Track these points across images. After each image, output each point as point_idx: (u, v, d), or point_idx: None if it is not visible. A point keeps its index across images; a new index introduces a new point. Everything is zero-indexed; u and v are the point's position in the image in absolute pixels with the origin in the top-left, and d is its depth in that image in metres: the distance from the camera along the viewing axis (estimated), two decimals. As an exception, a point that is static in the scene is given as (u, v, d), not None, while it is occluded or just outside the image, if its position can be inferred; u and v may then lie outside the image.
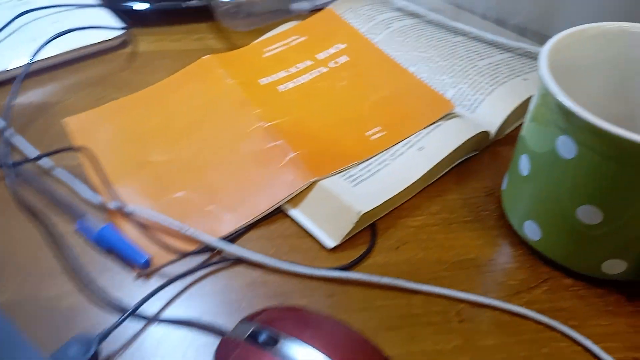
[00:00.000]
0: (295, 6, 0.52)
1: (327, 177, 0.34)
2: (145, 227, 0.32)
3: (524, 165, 0.30)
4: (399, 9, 0.49)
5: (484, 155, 0.39)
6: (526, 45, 0.44)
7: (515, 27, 0.48)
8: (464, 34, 0.47)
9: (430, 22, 0.48)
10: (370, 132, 0.37)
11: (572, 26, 0.47)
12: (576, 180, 0.27)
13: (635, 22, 0.41)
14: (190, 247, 0.31)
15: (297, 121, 0.38)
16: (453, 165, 0.37)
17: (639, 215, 0.26)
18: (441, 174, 0.37)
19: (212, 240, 0.31)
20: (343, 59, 0.43)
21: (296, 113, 0.39)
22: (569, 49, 0.31)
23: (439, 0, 0.51)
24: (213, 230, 0.32)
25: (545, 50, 0.29)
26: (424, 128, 0.37)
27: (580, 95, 0.34)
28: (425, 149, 0.36)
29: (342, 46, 0.44)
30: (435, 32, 0.47)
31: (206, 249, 0.31)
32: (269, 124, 0.37)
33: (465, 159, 0.38)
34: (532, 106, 0.30)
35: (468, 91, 0.41)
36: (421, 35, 0.46)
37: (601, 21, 0.43)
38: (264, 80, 0.42)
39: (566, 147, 0.27)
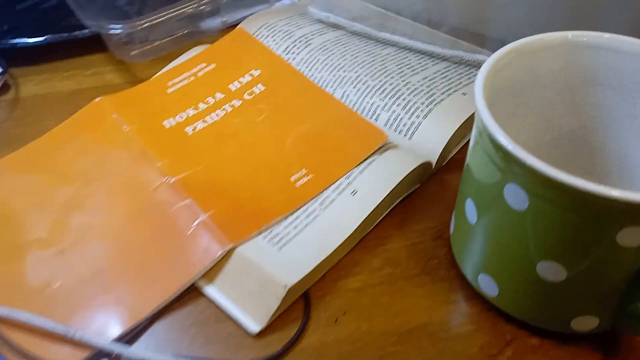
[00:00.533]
0: (205, 25, 0.46)
1: (247, 242, 0.29)
2: (17, 333, 0.26)
3: (470, 211, 0.26)
4: (319, 21, 0.44)
5: (429, 186, 0.34)
6: (462, 53, 0.40)
7: (451, 29, 0.43)
8: (394, 44, 0.42)
9: (355, 34, 0.43)
10: (295, 177, 0.32)
11: (509, 25, 0.43)
12: (532, 235, 0.23)
13: (574, 16, 0.38)
14: (79, 355, 0.26)
15: (208, 171, 0.32)
16: (394, 204, 0.33)
17: (608, 269, 0.22)
18: (381, 218, 0.32)
19: (107, 343, 0.25)
20: (259, 88, 0.38)
21: (208, 161, 0.33)
22: (509, 67, 0.27)
23: (365, 6, 0.46)
24: (108, 328, 0.26)
25: (481, 76, 0.25)
26: (356, 166, 0.32)
27: (529, 115, 0.30)
28: (359, 192, 0.31)
29: (257, 72, 0.39)
30: (361, 46, 0.42)
31: (100, 354, 0.26)
32: (175, 178, 0.32)
33: (408, 194, 0.34)
34: (472, 140, 0.25)
35: (402, 114, 0.36)
36: (346, 51, 0.41)
37: (538, 18, 0.40)
38: (168, 122, 0.36)
39: (516, 196, 0.23)
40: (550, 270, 0.23)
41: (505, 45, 0.27)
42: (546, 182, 0.21)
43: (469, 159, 0.26)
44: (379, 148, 0.33)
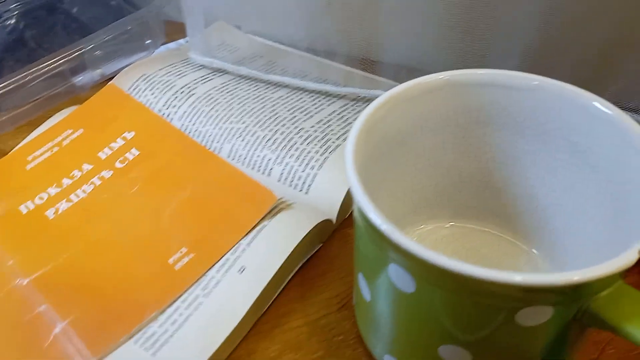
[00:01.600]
0: (79, 81, 0.42)
1: (115, 350, 0.25)
2: None
3: (363, 287, 0.23)
4: (202, 67, 0.41)
5: (332, 245, 0.31)
6: (357, 90, 0.37)
7: (346, 58, 0.41)
8: (285, 85, 0.39)
9: (244, 77, 0.40)
10: (174, 258, 0.28)
11: (404, 51, 0.41)
12: (425, 318, 0.20)
13: (467, 42, 0.36)
14: None
15: (70, 265, 0.28)
16: (293, 273, 0.30)
17: (513, 350, 0.20)
18: (278, 293, 0.29)
19: None
20: (133, 153, 0.34)
21: (71, 250, 0.29)
22: (388, 118, 0.24)
23: (252, 41, 0.43)
24: None
25: (352, 137, 0.22)
26: (244, 236, 0.29)
27: (420, 163, 0.27)
28: (248, 269, 0.28)
29: (131, 135, 0.35)
30: (250, 91, 0.39)
31: None
32: (27, 279, 0.27)
33: (310, 257, 0.30)
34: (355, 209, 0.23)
35: (296, 166, 0.33)
36: (233, 99, 0.38)
37: (432, 43, 0.38)
38: (25, 207, 0.31)
39: (401, 278, 0.20)
40: (454, 355, 0.20)
41: (398, 77, 0.24)
42: (429, 268, 0.18)
43: (354, 225, 0.23)
44: (270, 211, 0.30)
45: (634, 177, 0.21)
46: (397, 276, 0.20)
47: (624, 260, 0.17)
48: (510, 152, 0.27)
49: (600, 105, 0.22)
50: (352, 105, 0.37)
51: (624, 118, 0.22)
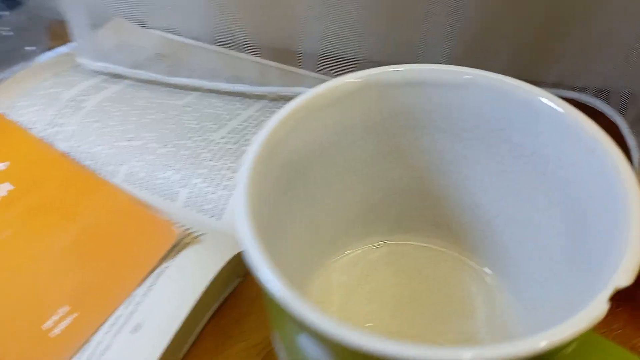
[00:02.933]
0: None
1: None
2: None
3: (279, 347, 0.19)
4: (96, 74, 0.35)
5: (252, 280, 0.27)
6: (276, 89, 0.33)
7: (262, 50, 0.36)
8: (193, 88, 0.34)
9: (143, 83, 0.35)
10: (51, 321, 0.23)
11: (325, 39, 0.36)
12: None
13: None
14: None
15: None
16: (205, 321, 0.25)
17: None
18: (187, 347, 0.24)
19: None
20: (6, 188, 0.28)
21: None
22: (296, 132, 0.20)
23: (156, 37, 0.38)
24: None
25: (248, 163, 0.17)
26: (139, 285, 0.24)
27: (345, 178, 0.23)
28: (145, 326, 0.23)
29: (4, 166, 0.29)
30: (150, 99, 0.34)
31: None
32: None
33: (227, 297, 0.26)
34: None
35: (205, 188, 0.28)
36: (130, 111, 0.32)
37: (355, 30, 0.33)
38: None
39: (311, 349, 0.15)
40: None
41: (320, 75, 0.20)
42: (344, 348, 0.14)
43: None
44: (172, 249, 0.25)
45: (588, 184, 0.18)
46: (308, 346, 0.16)
47: (592, 316, 0.13)
48: (447, 158, 0.23)
49: (547, 100, 0.19)
50: (271, 107, 0.33)
51: (574, 115, 0.18)
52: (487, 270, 0.24)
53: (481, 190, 0.23)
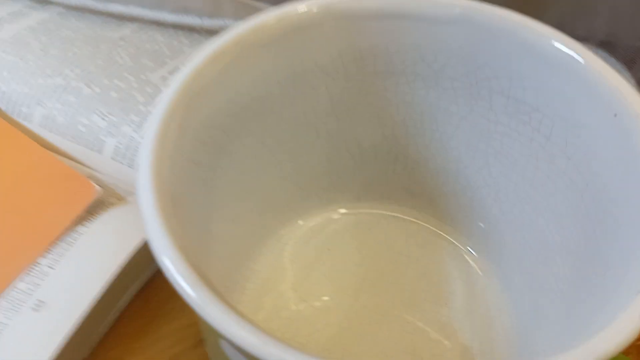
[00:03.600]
0: None
1: None
2: None
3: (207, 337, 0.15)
4: (13, -4, 0.30)
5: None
6: (228, 22, 0.28)
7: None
8: (132, 19, 0.29)
9: (73, 10, 0.29)
10: None
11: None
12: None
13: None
14: None
15: None
16: (128, 298, 0.21)
17: None
18: (106, 328, 0.20)
19: None
20: None
21: None
22: (230, 77, 0.15)
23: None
24: None
25: (155, 124, 0.13)
26: (44, 255, 0.20)
27: (292, 138, 0.19)
28: (50, 304, 0.19)
29: None
30: (80, 30, 0.28)
31: None
32: None
33: (155, 272, 0.22)
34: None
35: (137, 138, 0.24)
36: (53, 43, 0.27)
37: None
38: None
39: (234, 355, 0.12)
40: None
41: None
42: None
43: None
44: (89, 211, 0.21)
45: (608, 160, 0.14)
46: (231, 353, 0.12)
47: (626, 332, 0.10)
48: (428, 112, 0.19)
49: (560, 44, 0.15)
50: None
51: (597, 67, 0.14)
52: (470, 249, 0.20)
53: (467, 154, 0.19)
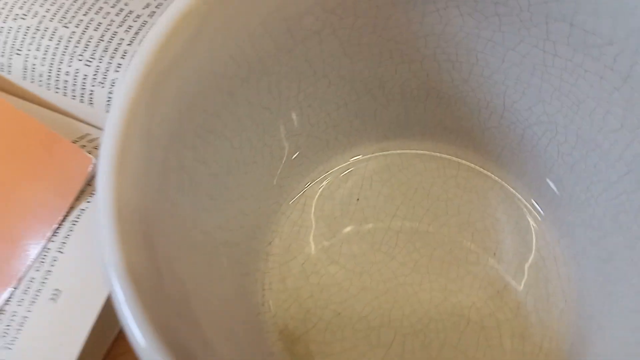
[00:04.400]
0: None
1: None
2: None
3: None
4: None
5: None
6: None
7: None
8: None
9: None
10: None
11: None
12: None
13: None
14: None
15: None
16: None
17: None
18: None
19: None
20: None
21: None
22: (213, 36, 0.12)
23: None
24: None
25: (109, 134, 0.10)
26: (51, 238, 0.18)
27: (318, 84, 0.16)
28: (66, 293, 0.18)
29: None
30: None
31: None
32: None
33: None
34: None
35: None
36: (16, -29, 0.24)
37: None
38: None
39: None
40: None
41: None
42: None
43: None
44: (88, 183, 0.19)
45: None
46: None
47: None
48: (463, 44, 0.15)
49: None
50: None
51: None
52: (520, 194, 0.18)
53: (515, 90, 0.15)
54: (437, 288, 0.18)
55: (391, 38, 0.15)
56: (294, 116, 0.16)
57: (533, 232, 0.17)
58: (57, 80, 0.22)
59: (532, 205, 0.17)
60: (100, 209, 0.10)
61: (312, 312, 0.17)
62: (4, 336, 0.18)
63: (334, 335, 0.17)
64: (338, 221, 0.19)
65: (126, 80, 0.11)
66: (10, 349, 0.18)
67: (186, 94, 0.12)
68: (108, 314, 0.18)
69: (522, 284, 0.17)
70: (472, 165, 0.19)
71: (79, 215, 0.19)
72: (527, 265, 0.17)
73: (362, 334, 0.17)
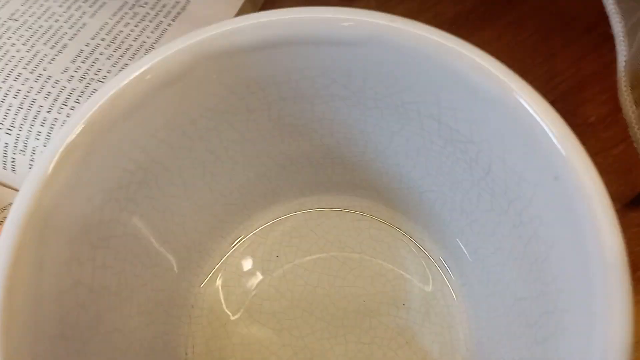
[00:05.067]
0: None
1: None
2: None
3: None
4: None
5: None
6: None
7: None
8: (19, -14, 0.25)
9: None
10: None
11: None
12: None
13: None
14: None
15: None
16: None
17: None
18: None
19: None
20: None
21: None
22: (102, 155, 0.13)
23: None
24: None
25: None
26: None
27: (221, 166, 0.17)
28: None
29: None
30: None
31: None
32: None
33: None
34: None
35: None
36: None
37: None
38: None
39: None
40: None
41: None
42: None
43: None
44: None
45: (548, 217, 0.12)
46: None
47: None
48: (354, 127, 0.16)
49: (479, 76, 0.12)
50: (135, 9, 0.24)
51: (528, 105, 0.11)
52: (439, 256, 0.19)
53: (406, 163, 0.17)
54: (352, 340, 0.19)
55: (287, 124, 0.16)
56: (202, 194, 0.17)
57: (438, 281, 0.19)
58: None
59: (438, 257, 0.19)
60: None
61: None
62: None
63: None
64: (258, 278, 0.20)
65: (7, 225, 0.12)
66: None
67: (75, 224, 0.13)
68: None
69: (429, 333, 0.19)
70: (383, 220, 0.20)
71: None
72: (433, 313, 0.19)
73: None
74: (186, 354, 0.19)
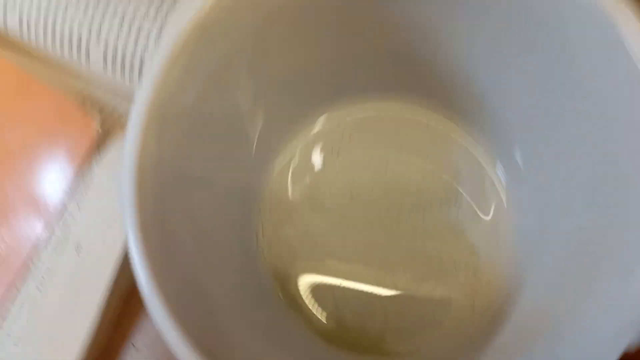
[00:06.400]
0: None
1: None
2: None
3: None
4: None
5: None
6: None
7: None
8: None
9: None
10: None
11: None
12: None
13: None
14: None
15: None
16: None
17: None
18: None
19: None
20: None
21: None
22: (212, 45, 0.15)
23: None
24: None
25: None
26: (65, 199, 0.21)
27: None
28: (86, 248, 0.21)
29: None
30: None
31: None
32: None
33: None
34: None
35: (124, 40, 0.22)
36: None
37: None
38: None
39: None
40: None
41: None
42: None
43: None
44: (94, 147, 0.21)
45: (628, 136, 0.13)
46: None
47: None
48: (434, 23, 0.17)
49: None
50: None
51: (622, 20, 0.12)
52: (484, 150, 0.20)
53: (480, 67, 0.18)
54: (407, 234, 0.21)
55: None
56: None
57: (493, 182, 0.20)
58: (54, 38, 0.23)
59: (495, 162, 0.20)
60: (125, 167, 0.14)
61: (299, 255, 0.21)
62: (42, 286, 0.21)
63: (318, 273, 0.21)
64: (321, 172, 0.21)
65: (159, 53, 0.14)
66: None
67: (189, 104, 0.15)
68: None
69: (477, 229, 0.20)
70: (444, 119, 0.21)
71: (91, 177, 0.21)
72: (482, 215, 0.20)
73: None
74: (257, 237, 0.21)
